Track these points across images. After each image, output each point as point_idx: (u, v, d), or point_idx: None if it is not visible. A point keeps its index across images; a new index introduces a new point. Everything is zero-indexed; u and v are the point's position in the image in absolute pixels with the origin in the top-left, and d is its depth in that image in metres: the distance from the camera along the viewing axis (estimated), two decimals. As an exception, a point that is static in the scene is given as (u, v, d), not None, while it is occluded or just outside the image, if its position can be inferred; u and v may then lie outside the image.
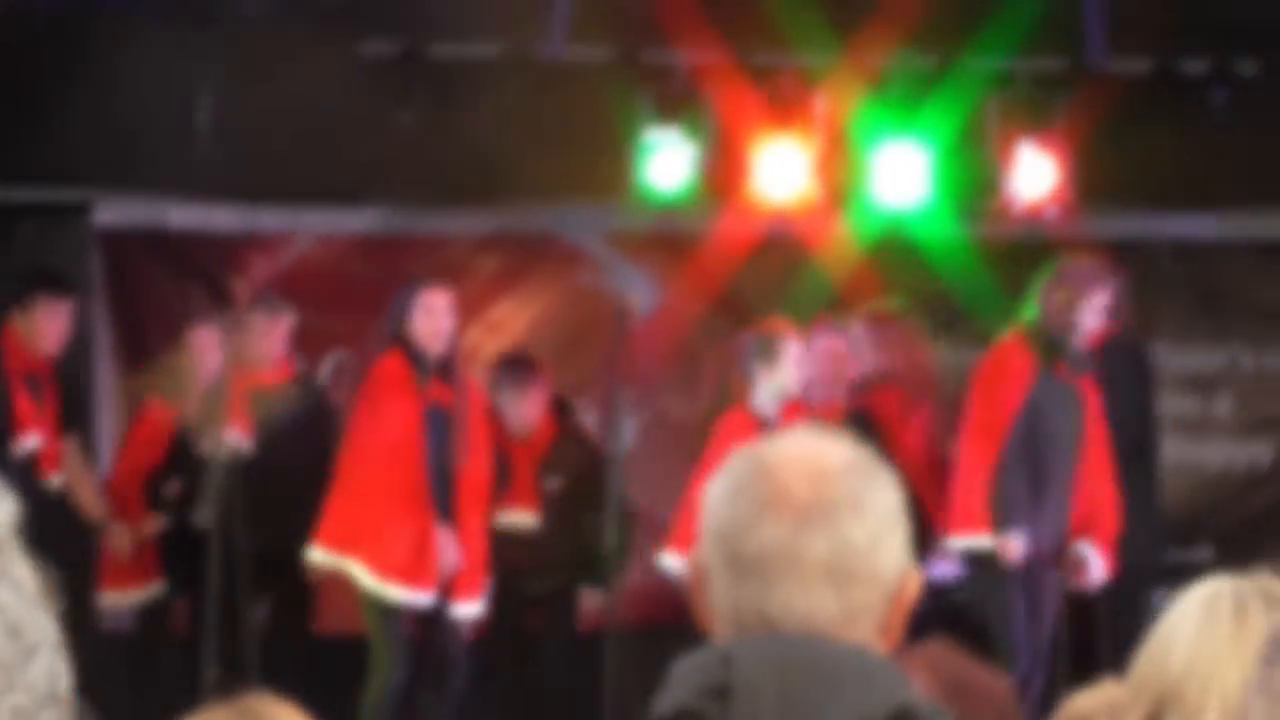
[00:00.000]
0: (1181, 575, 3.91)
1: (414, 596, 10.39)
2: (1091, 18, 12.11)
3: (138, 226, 12.61)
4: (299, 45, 12.58)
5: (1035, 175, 12.15)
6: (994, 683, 3.93)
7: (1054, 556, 10.53)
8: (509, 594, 10.87)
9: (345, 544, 10.39)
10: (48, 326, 11.04)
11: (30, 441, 10.78)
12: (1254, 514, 12.72)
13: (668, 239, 12.34)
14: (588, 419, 11.60)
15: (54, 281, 11.30)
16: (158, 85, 12.36)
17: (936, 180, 12.09)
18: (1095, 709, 4.04)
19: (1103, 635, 10.66)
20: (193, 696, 8.47)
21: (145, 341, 12.16)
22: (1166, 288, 13.04)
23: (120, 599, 11.22)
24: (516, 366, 11.37)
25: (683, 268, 12.03)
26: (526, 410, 11.17)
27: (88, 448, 11.64)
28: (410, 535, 10.41)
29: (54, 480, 10.84)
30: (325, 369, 11.37)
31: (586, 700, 10.66)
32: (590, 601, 11.52)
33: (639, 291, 12.13)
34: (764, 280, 11.95)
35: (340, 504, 10.41)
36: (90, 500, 11.00)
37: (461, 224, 12.75)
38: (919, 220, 12.26)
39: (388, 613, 10.48)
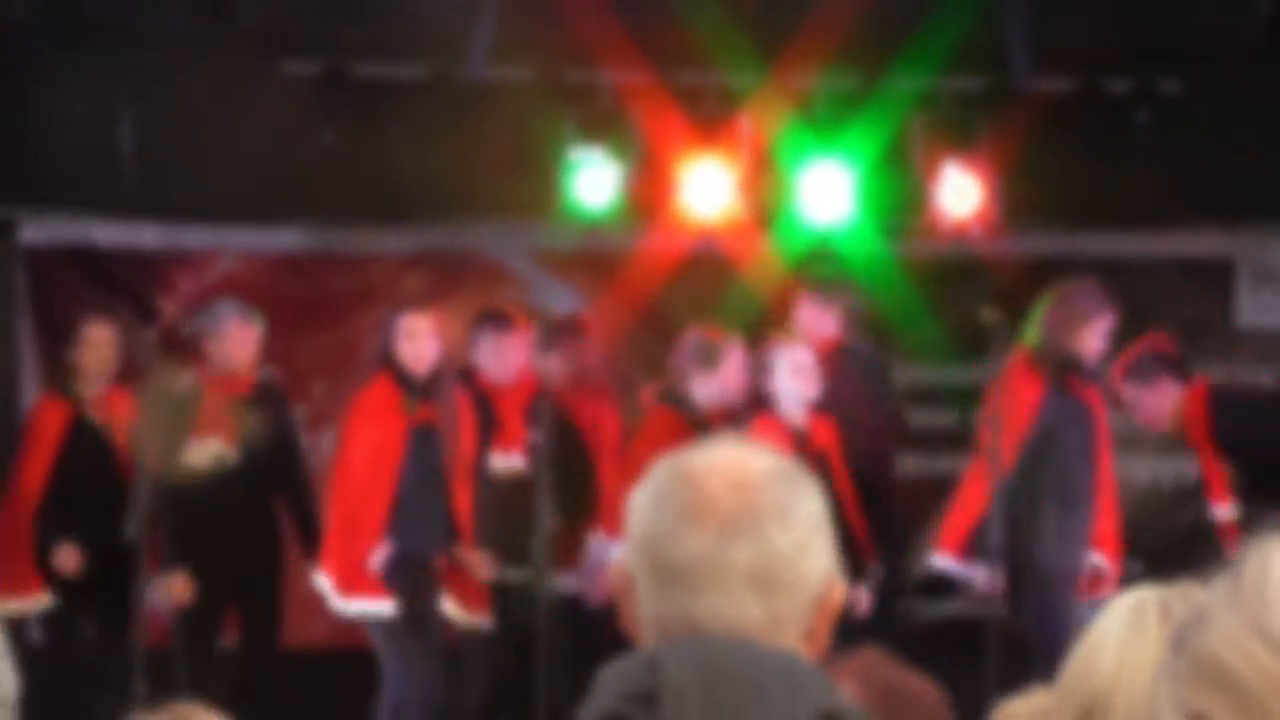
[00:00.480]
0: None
1: (379, 607, 10.49)
2: (1015, 38, 12.16)
3: (63, 244, 12.57)
4: (221, 64, 12.59)
5: (959, 193, 12.17)
6: (925, 690, 3.93)
7: (1076, 572, 10.58)
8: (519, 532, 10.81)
9: (325, 558, 10.61)
10: None
11: None
12: (1182, 528, 12.77)
13: (593, 257, 12.36)
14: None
15: None
16: (80, 104, 12.34)
17: (861, 199, 12.13)
18: (1024, 716, 4.05)
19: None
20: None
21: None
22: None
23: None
24: (494, 319, 11.38)
25: (608, 285, 12.04)
26: (504, 360, 11.14)
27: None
28: (361, 546, 10.55)
29: None
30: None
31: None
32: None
33: (564, 309, 12.14)
34: (690, 298, 11.97)
35: (327, 529, 10.64)
36: None
37: (386, 242, 12.75)
38: (844, 238, 12.29)
39: (391, 627, 10.55)
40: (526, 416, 11.11)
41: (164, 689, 9.56)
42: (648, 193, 12.12)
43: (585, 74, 12.19)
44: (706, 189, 12.04)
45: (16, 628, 10.64)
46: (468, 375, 11.11)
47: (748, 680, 2.73)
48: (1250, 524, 11.53)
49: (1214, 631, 1.15)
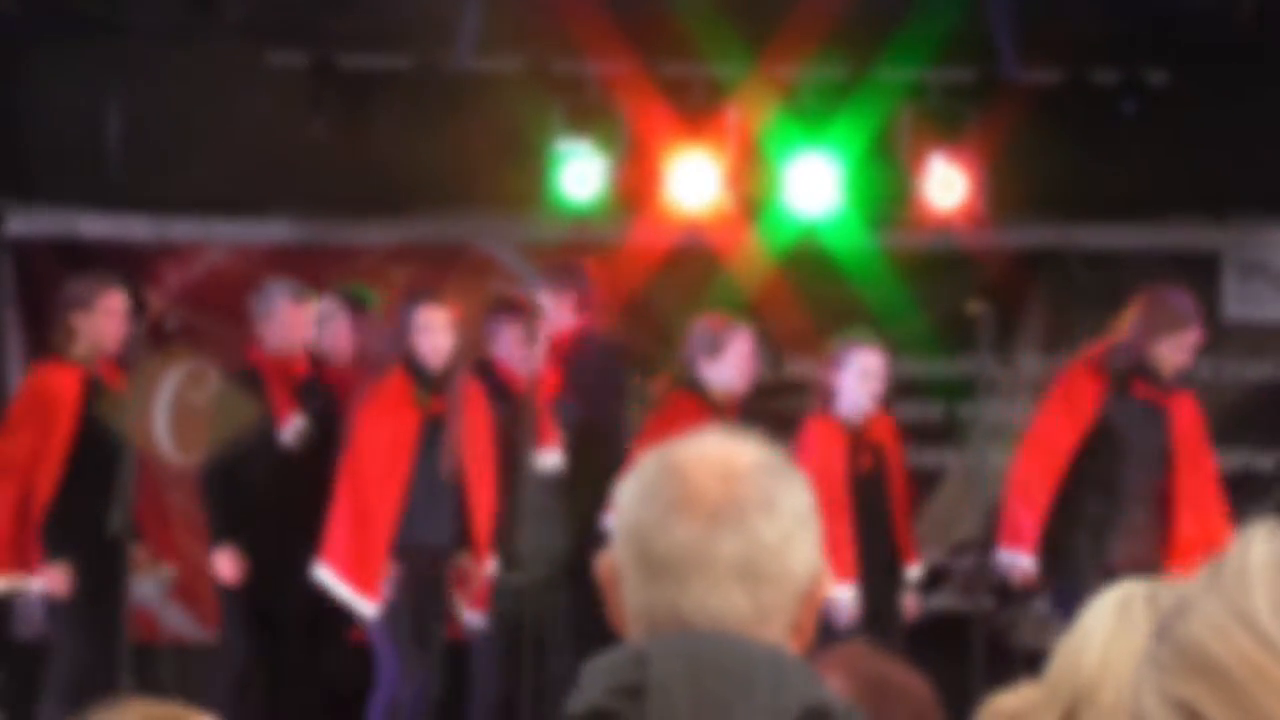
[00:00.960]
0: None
1: (366, 605, 10.52)
2: (1002, 29, 12.16)
3: (49, 236, 12.55)
4: (207, 56, 12.59)
5: (946, 185, 12.19)
6: (913, 683, 3.94)
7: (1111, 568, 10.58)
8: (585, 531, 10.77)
9: (336, 559, 10.55)
10: None
11: None
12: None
13: (580, 249, 12.33)
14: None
15: None
16: (68, 97, 12.36)
17: (848, 190, 12.14)
18: (1012, 709, 4.05)
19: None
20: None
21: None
22: (1079, 297, 13.10)
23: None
24: (512, 308, 11.37)
25: (595, 277, 12.03)
26: (526, 350, 11.12)
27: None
28: (380, 541, 10.55)
29: None
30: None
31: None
32: None
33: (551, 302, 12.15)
34: (676, 289, 12.00)
35: (335, 521, 10.55)
36: None
37: (373, 234, 12.75)
38: (830, 230, 12.30)
39: (391, 625, 10.57)
40: (555, 414, 11.09)
41: (149, 686, 9.59)
42: (634, 184, 12.13)
43: (572, 65, 12.20)
44: (693, 181, 12.05)
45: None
46: (486, 369, 11.09)
47: (734, 674, 2.73)
48: None
49: (1196, 619, 1.16)
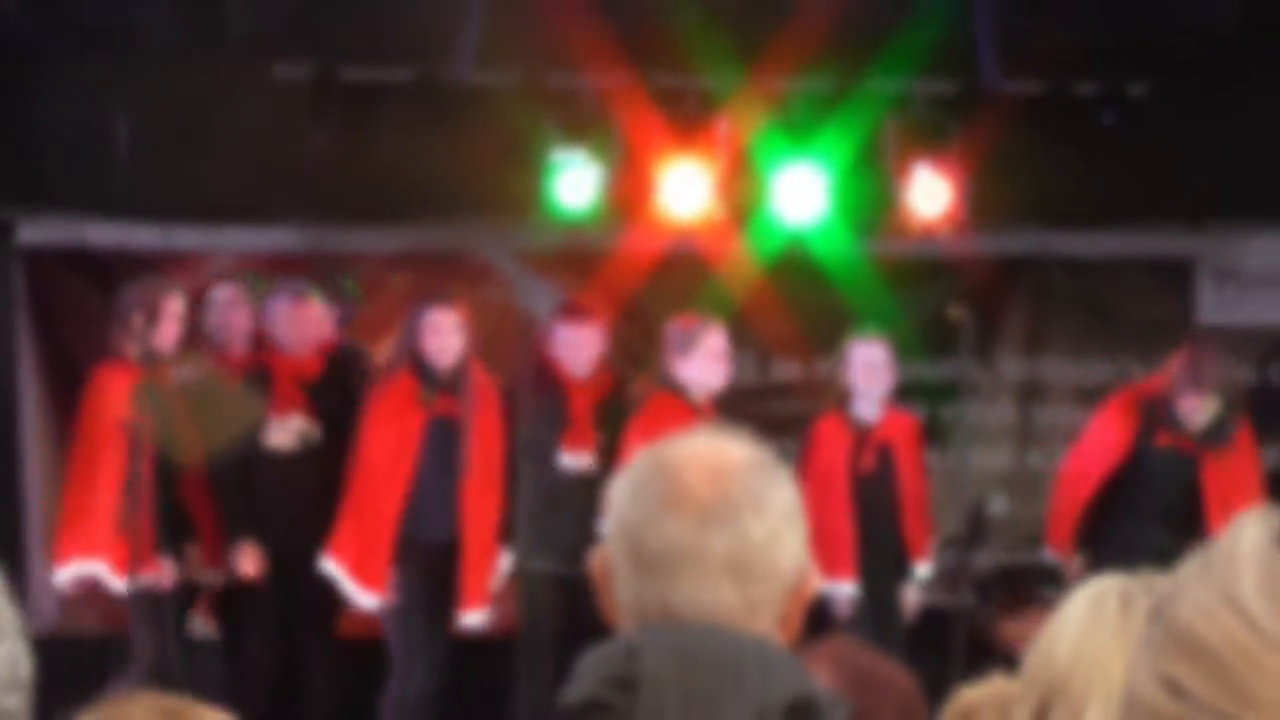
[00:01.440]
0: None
1: (368, 598, 10.60)
2: (984, 43, 12.17)
3: (59, 245, 12.56)
4: (213, 69, 12.58)
5: (930, 194, 12.18)
6: (898, 676, 3.95)
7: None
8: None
9: (339, 552, 10.61)
10: None
11: None
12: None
13: (575, 256, 12.36)
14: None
15: None
16: (75, 109, 12.35)
17: (834, 199, 12.13)
18: (984, 701, 4.07)
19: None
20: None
21: (70, 355, 12.06)
22: (1058, 303, 13.13)
23: None
24: (572, 311, 11.41)
25: (589, 283, 12.04)
26: (581, 353, 11.15)
27: (13, 460, 11.60)
28: (385, 534, 10.60)
29: None
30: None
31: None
32: None
33: (546, 306, 12.17)
34: (668, 295, 11.97)
35: (342, 516, 10.61)
36: None
37: (375, 242, 12.76)
38: (817, 238, 12.30)
39: (404, 620, 10.60)
40: (598, 415, 11.09)
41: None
42: (627, 193, 12.12)
43: (567, 77, 12.20)
44: (684, 190, 12.04)
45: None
46: (542, 368, 11.12)
47: (723, 666, 2.76)
48: None
49: (1186, 601, 1.17)
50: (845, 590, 10.63)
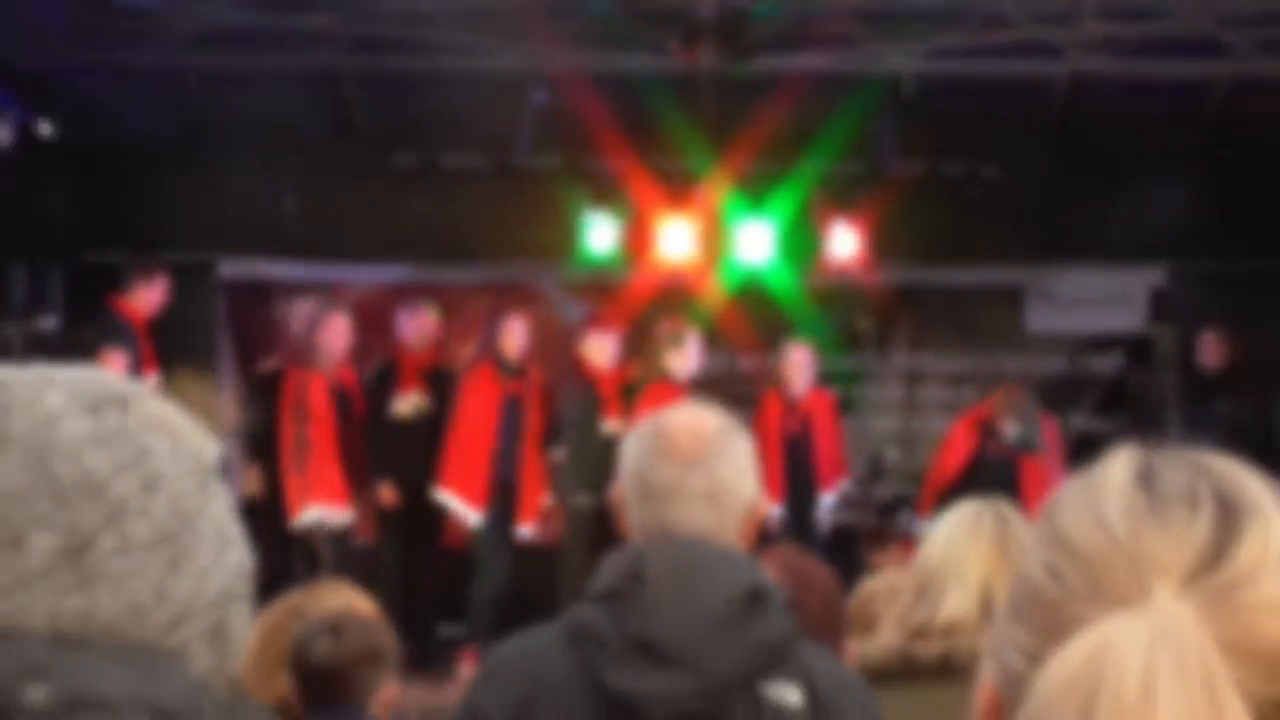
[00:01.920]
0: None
1: (482, 515, 10.53)
2: (882, 138, 12.18)
3: (246, 278, 12.56)
4: (350, 155, 12.60)
5: (845, 243, 12.20)
6: (823, 572, 3.94)
7: None
8: None
9: (447, 483, 10.57)
10: None
11: None
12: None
13: (600, 285, 12.34)
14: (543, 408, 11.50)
15: None
16: (253, 180, 12.34)
17: (779, 247, 12.12)
18: (880, 589, 4.08)
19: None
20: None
21: (254, 357, 12.02)
22: (933, 316, 13.11)
23: None
24: (598, 323, 11.41)
25: (609, 304, 12.04)
26: (605, 352, 11.04)
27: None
28: (479, 473, 10.54)
29: None
30: (371, 370, 11.30)
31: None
32: None
33: (579, 319, 12.17)
34: (663, 313, 11.93)
35: (447, 454, 10.58)
36: None
37: (461, 276, 12.71)
38: (767, 274, 12.27)
39: (486, 535, 10.54)
40: (620, 395, 11.01)
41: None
42: (636, 242, 12.11)
43: (594, 161, 12.19)
44: (675, 240, 12.05)
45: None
46: (577, 364, 11.05)
47: (703, 564, 2.77)
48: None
49: (1065, 511, 1.16)
50: (775, 511, 10.70)
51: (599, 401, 10.81)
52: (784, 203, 12.08)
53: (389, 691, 3.70)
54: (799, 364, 11.23)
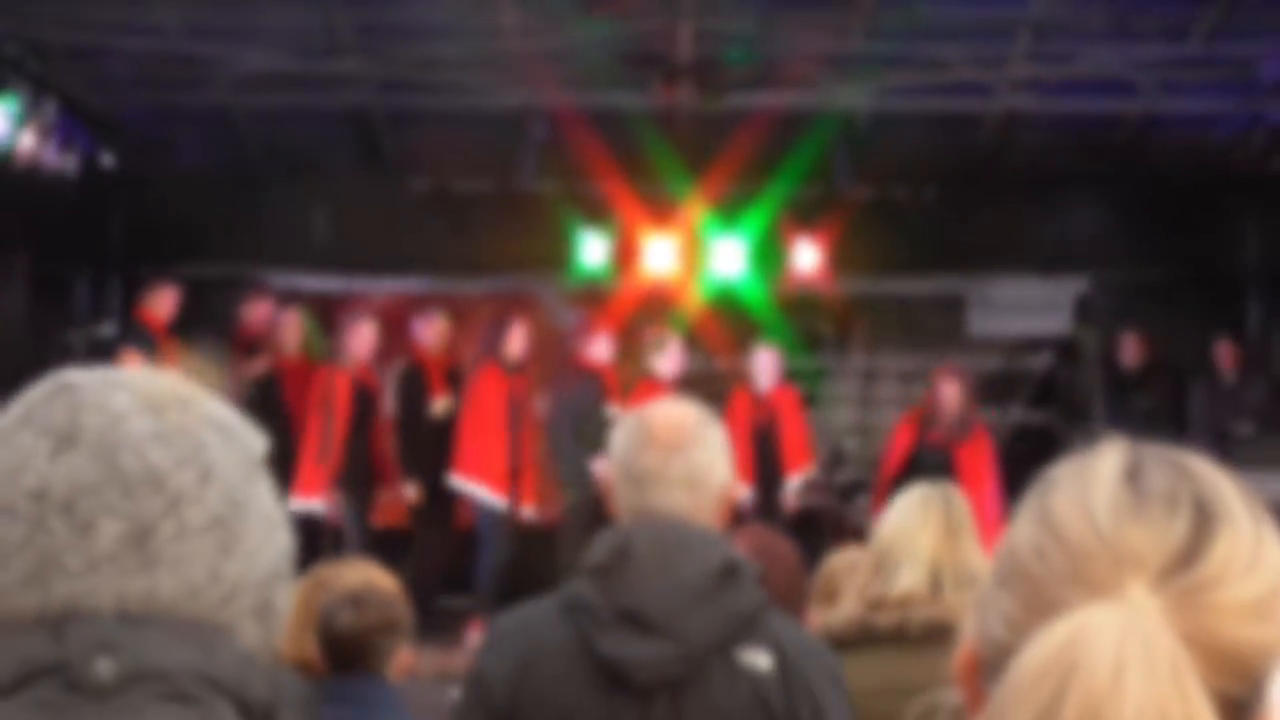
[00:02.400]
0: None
1: (496, 499, 10.40)
2: (839, 164, 12.18)
3: (283, 289, 12.46)
4: (373, 182, 12.58)
5: (808, 257, 12.17)
6: (787, 549, 3.93)
7: None
8: None
9: (465, 471, 10.44)
10: None
11: None
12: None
13: (592, 295, 12.31)
14: (542, 403, 11.43)
15: None
16: (291, 207, 12.34)
17: (751, 261, 12.09)
18: (841, 565, 4.05)
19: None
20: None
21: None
22: (885, 321, 13.10)
23: None
24: (591, 327, 11.31)
25: (601, 312, 11.99)
26: (599, 352, 10.93)
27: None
28: (495, 461, 10.43)
29: None
30: (392, 373, 11.21)
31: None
32: None
33: (574, 325, 12.13)
34: (648, 320, 11.90)
35: (463, 446, 10.45)
36: None
37: (470, 287, 12.65)
38: (740, 285, 12.25)
39: (495, 513, 10.41)
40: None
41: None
42: (624, 257, 12.07)
43: (588, 186, 12.16)
44: (659, 255, 12.00)
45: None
46: (573, 362, 10.96)
47: (681, 541, 2.76)
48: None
49: (1058, 495, 1.12)
50: (744, 493, 10.62)
51: (603, 392, 10.74)
52: (754, 222, 12.04)
53: (405, 657, 3.67)
54: (765, 364, 11.17)
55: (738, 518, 9.88)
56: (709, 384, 11.75)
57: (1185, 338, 11.85)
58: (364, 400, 10.53)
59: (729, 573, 2.70)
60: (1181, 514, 1.09)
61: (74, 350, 10.78)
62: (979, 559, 3.54)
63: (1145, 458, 1.14)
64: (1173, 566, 1.07)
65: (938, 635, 3.36)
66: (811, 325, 12.71)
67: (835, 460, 12.50)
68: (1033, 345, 13.15)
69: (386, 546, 9.97)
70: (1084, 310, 13.01)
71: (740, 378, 11.48)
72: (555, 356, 11.40)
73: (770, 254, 12.17)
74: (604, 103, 11.66)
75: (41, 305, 11.69)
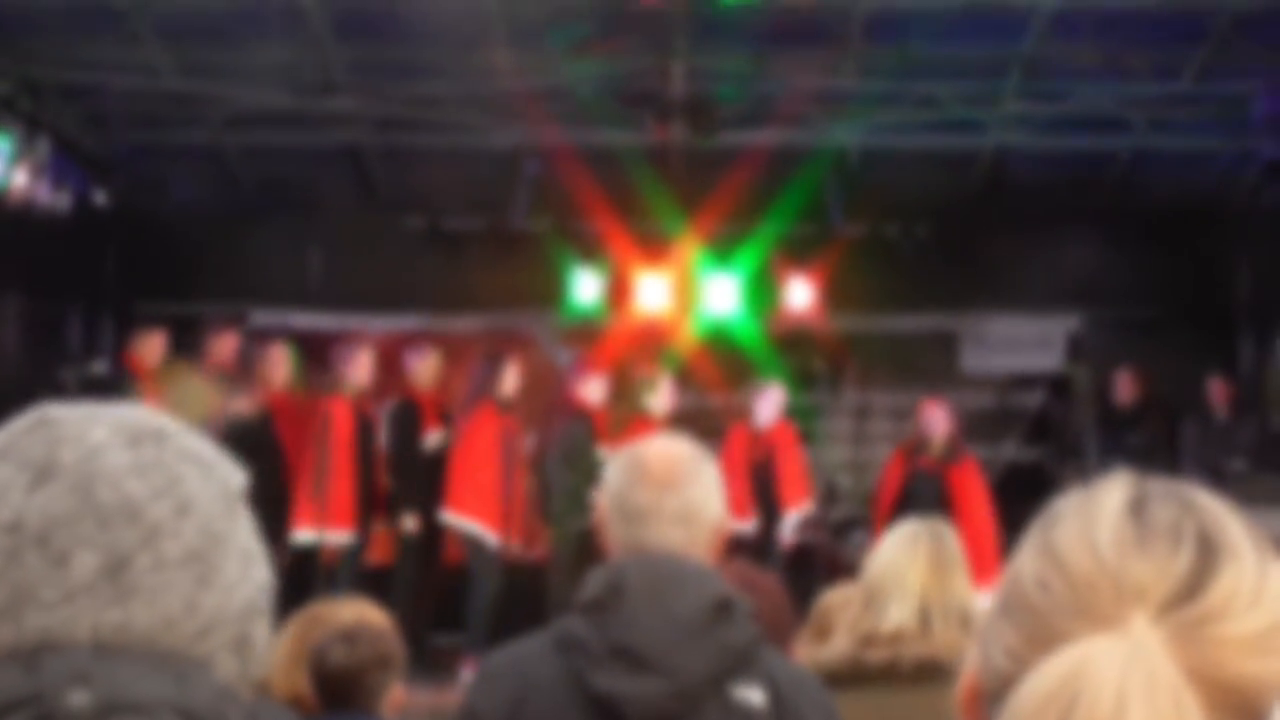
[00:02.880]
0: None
1: (490, 536, 10.34)
2: (832, 202, 12.21)
3: (275, 326, 12.47)
4: (367, 219, 12.59)
5: (801, 295, 12.19)
6: (772, 584, 3.92)
7: None
8: None
9: (461, 508, 10.36)
10: None
11: None
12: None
13: (586, 332, 12.32)
14: (533, 440, 11.41)
15: None
16: (284, 242, 12.34)
17: (744, 298, 12.10)
18: (835, 600, 4.05)
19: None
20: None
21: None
22: (878, 358, 13.11)
23: None
24: (585, 365, 11.29)
25: (594, 349, 12.00)
26: (593, 391, 10.89)
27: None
28: (491, 499, 10.36)
29: None
30: (386, 408, 11.18)
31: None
32: None
33: (568, 362, 12.13)
34: (641, 357, 11.93)
35: (457, 483, 10.39)
36: None
37: (464, 324, 12.68)
38: (734, 323, 12.26)
39: (487, 550, 10.36)
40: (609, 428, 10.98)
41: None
42: (617, 294, 12.09)
43: (581, 224, 12.18)
44: (651, 292, 12.02)
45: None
46: (568, 400, 10.92)
47: (675, 577, 2.74)
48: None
49: (1062, 527, 1.12)
50: (744, 527, 10.61)
51: (593, 433, 10.74)
52: (747, 260, 12.06)
53: (398, 694, 3.66)
54: (773, 400, 11.16)
55: (732, 552, 9.89)
56: (702, 421, 11.76)
57: (1178, 374, 11.87)
58: (365, 429, 10.51)
59: (723, 608, 2.70)
60: (1185, 547, 1.09)
61: (66, 387, 10.76)
62: (969, 594, 3.55)
63: (1149, 491, 1.14)
64: (1176, 599, 1.06)
65: (929, 673, 3.36)
66: (804, 362, 12.73)
67: (829, 496, 12.49)
68: (1025, 382, 13.16)
69: (375, 583, 9.96)
70: (1076, 347, 13.03)
71: (735, 413, 11.48)
72: (548, 393, 11.40)
73: (763, 291, 12.18)
74: (597, 141, 11.70)
75: (34, 343, 11.68)
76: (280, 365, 10.76)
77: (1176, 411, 11.89)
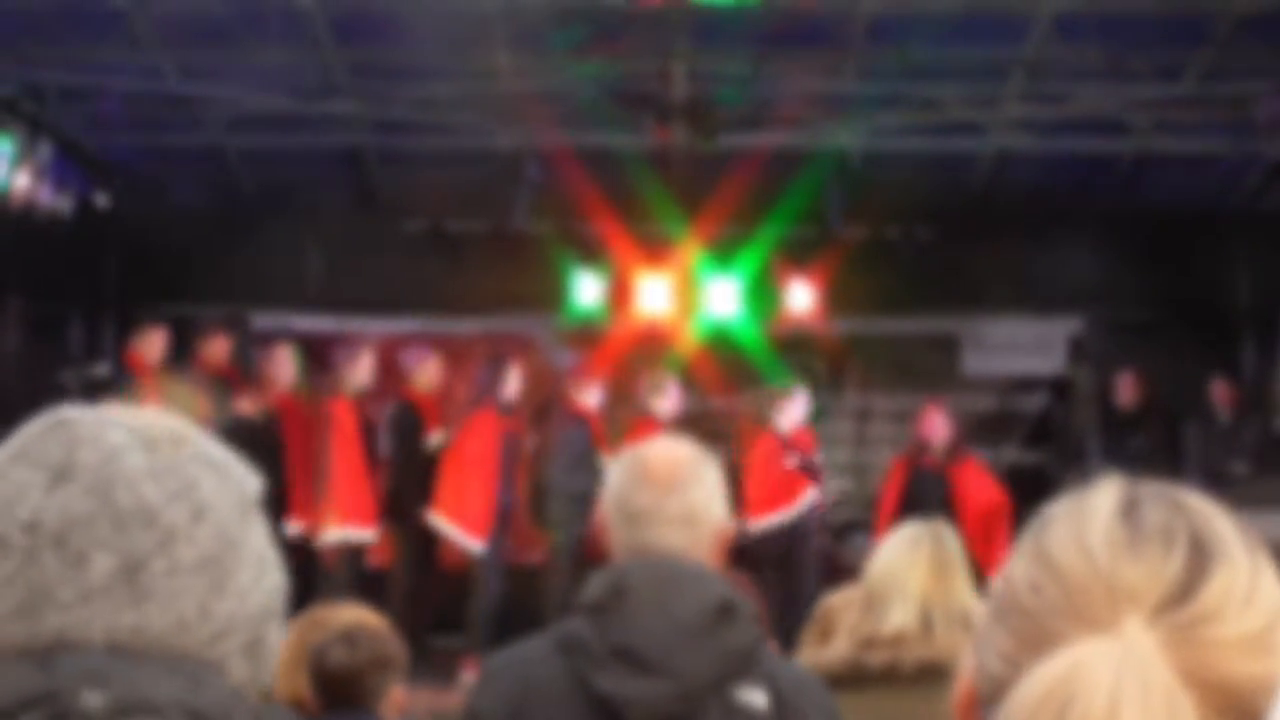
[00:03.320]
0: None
1: (469, 540, 10.28)
2: (833, 204, 12.21)
3: (276, 329, 12.47)
4: (367, 222, 12.60)
5: (801, 297, 12.18)
6: (744, 583, 3.93)
7: None
8: None
9: (443, 511, 10.31)
10: None
11: None
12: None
13: (587, 335, 12.31)
14: (533, 443, 11.39)
15: None
16: (285, 244, 12.35)
17: (745, 300, 12.10)
18: (838, 602, 4.04)
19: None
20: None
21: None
22: (878, 360, 13.11)
23: None
24: (585, 369, 11.30)
25: (595, 353, 12.00)
26: (592, 395, 10.90)
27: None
28: (479, 504, 10.31)
29: None
30: (386, 411, 11.16)
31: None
32: None
33: (569, 365, 12.12)
34: (642, 360, 11.93)
35: (446, 485, 10.34)
36: None
37: (465, 327, 12.68)
38: (735, 326, 12.25)
39: (488, 553, 10.31)
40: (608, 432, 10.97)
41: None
42: (618, 297, 12.08)
43: (582, 226, 12.18)
44: (653, 296, 12.00)
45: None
46: (567, 404, 10.90)
47: (677, 579, 2.75)
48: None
49: (1055, 531, 1.12)
50: (771, 523, 10.58)
51: (591, 439, 10.73)
52: (748, 262, 12.05)
53: (398, 696, 3.66)
54: (802, 403, 11.17)
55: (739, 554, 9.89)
56: (704, 423, 11.76)
57: (1180, 377, 11.87)
58: (369, 430, 10.51)
59: (725, 610, 2.69)
60: (1178, 549, 1.09)
61: (68, 389, 10.76)
62: (969, 597, 3.54)
63: (1141, 494, 1.14)
64: (1169, 601, 1.07)
65: (930, 675, 3.36)
66: (806, 365, 12.71)
67: (830, 498, 12.48)
68: (1027, 385, 13.16)
69: (375, 585, 9.95)
70: (1078, 350, 13.02)
71: (735, 416, 11.46)
72: (548, 396, 11.40)
73: (764, 294, 12.17)
74: (598, 143, 11.70)
75: (36, 345, 11.69)
76: (286, 366, 10.75)
77: (1178, 414, 11.89)
